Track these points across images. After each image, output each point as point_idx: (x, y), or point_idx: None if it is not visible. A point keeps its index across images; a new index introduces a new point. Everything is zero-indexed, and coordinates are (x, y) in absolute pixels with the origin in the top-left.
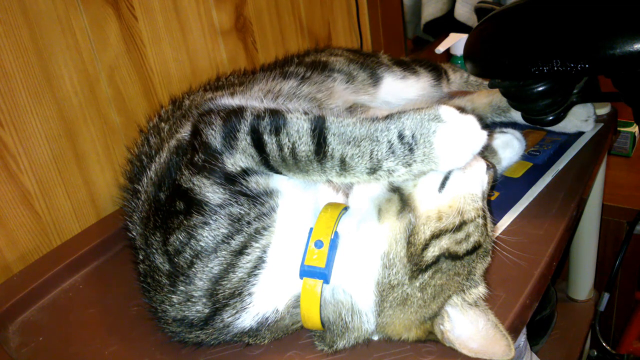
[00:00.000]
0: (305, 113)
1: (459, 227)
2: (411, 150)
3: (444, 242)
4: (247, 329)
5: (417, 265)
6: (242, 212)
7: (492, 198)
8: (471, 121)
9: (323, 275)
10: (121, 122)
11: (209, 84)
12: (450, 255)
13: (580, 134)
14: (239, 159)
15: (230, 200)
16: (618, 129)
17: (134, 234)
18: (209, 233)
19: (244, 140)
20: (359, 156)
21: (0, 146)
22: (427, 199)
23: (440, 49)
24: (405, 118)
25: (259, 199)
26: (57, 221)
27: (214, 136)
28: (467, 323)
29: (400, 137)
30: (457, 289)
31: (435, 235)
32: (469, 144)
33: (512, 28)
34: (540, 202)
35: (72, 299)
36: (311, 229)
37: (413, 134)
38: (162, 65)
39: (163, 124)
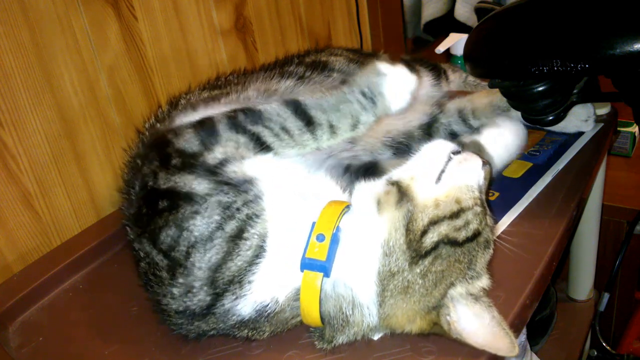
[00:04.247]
0: (274, 101)
1: (456, 214)
2: (374, 102)
3: (443, 229)
4: (246, 318)
5: (417, 252)
6: (229, 200)
7: (492, 198)
8: (402, 70)
9: (324, 268)
10: (121, 122)
11: (207, 84)
12: (450, 241)
13: (580, 134)
14: (217, 151)
15: (216, 189)
16: (618, 129)
17: (132, 236)
18: (202, 221)
19: (225, 132)
20: (342, 118)
21: (0, 146)
22: (424, 189)
23: (440, 49)
24: (358, 77)
25: (241, 187)
26: (57, 221)
27: (190, 142)
28: (472, 316)
29: (363, 94)
30: (459, 276)
31: (433, 222)
32: (405, 87)
33: (512, 28)
34: (540, 202)
35: (72, 299)
36: (313, 223)
37: (371, 90)
38: (162, 65)
39: (159, 125)
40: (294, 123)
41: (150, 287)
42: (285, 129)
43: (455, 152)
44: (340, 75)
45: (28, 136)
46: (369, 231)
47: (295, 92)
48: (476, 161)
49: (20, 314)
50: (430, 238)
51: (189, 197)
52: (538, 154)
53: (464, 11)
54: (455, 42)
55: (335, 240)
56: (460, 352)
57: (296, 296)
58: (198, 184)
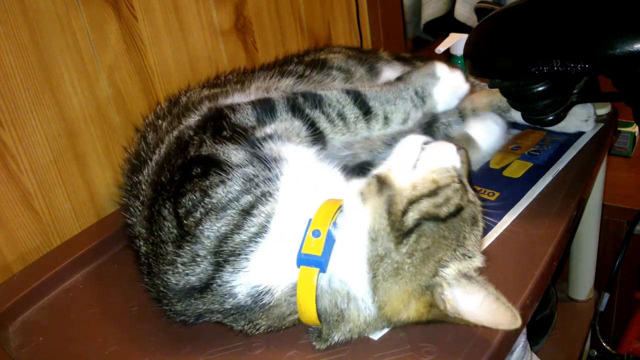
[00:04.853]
0: (334, 89)
1: (435, 192)
2: (424, 101)
3: (423, 206)
4: (242, 303)
5: (400, 230)
6: (254, 173)
7: (492, 198)
8: (457, 76)
9: (319, 263)
10: (121, 122)
11: (207, 82)
12: (432, 217)
13: (580, 134)
14: (269, 128)
15: (248, 161)
16: (618, 129)
17: (134, 219)
18: (223, 189)
19: (283, 114)
20: (396, 112)
21: (0, 146)
22: (401, 176)
23: (440, 49)
24: (414, 78)
25: (269, 164)
26: (57, 221)
27: (246, 118)
28: (466, 294)
29: (416, 93)
30: (448, 252)
31: (412, 201)
32: (455, 93)
33: (513, 28)
34: (540, 202)
35: (73, 298)
36: (310, 220)
37: (423, 90)
38: (162, 65)
39: (160, 121)
40: (352, 111)
41: (150, 271)
42: (341, 116)
43: (427, 143)
44: (339, 72)
45: (28, 136)
46: (356, 222)
47: (295, 90)
48: (449, 146)
49: (20, 314)
50: (412, 216)
51: (221, 165)
52: (538, 154)
53: (464, 11)
54: (455, 42)
55: (331, 235)
56: (460, 352)
57: (293, 291)
58: (236, 155)
